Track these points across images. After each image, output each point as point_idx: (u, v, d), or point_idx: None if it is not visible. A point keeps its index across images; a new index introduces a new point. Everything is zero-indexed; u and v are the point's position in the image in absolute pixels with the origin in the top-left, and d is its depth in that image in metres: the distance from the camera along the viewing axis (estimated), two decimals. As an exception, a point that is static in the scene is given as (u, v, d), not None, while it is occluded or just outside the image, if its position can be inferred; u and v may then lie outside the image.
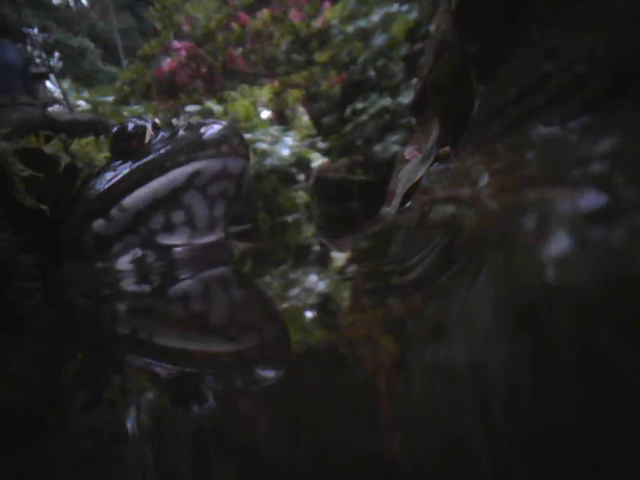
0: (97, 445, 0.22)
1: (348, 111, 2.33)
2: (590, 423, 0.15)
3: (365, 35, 2.39)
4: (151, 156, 0.72)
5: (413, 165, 0.81)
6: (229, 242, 0.84)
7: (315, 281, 0.55)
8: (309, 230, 1.35)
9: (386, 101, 2.16)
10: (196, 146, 0.71)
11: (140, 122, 0.76)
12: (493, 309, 0.25)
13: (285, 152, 1.62)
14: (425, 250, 0.40)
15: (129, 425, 0.24)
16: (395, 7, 2.24)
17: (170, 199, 0.72)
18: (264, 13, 2.68)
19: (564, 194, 0.24)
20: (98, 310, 0.56)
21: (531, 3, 0.39)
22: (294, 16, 2.68)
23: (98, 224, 0.73)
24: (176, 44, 2.70)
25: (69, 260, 0.76)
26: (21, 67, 2.19)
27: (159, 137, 0.75)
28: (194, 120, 1.44)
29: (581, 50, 0.31)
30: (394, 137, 2.04)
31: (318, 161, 1.87)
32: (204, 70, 2.61)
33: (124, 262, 0.74)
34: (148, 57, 2.96)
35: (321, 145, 2.07)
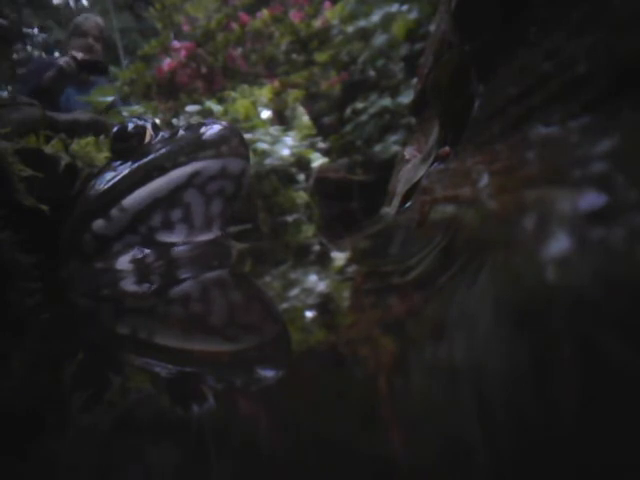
0: (97, 445, 0.22)
1: (348, 111, 2.32)
2: (590, 423, 0.15)
3: (365, 35, 2.39)
4: (151, 156, 0.72)
5: (413, 165, 0.81)
6: (227, 241, 0.84)
7: (315, 281, 0.55)
8: (309, 230, 1.35)
9: (386, 101, 2.16)
10: (196, 146, 0.71)
11: (140, 122, 0.76)
12: (493, 309, 0.25)
13: (285, 152, 1.62)
14: (425, 250, 0.40)
15: (129, 425, 0.24)
16: (395, 7, 2.23)
17: (170, 199, 0.72)
18: (264, 13, 2.68)
19: (564, 194, 0.24)
20: (98, 310, 0.56)
21: (531, 3, 0.39)
22: (294, 16, 2.67)
23: (98, 224, 0.73)
24: (176, 44, 2.69)
25: (69, 260, 0.76)
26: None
27: (159, 137, 0.75)
28: (194, 120, 1.44)
29: (581, 50, 0.31)
30: (394, 137, 2.04)
31: (318, 161, 1.86)
32: (204, 70, 2.61)
33: (124, 262, 0.74)
34: (148, 57, 2.96)
35: (321, 145, 2.06)
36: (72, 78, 1.83)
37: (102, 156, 0.86)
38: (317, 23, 2.66)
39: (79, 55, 1.81)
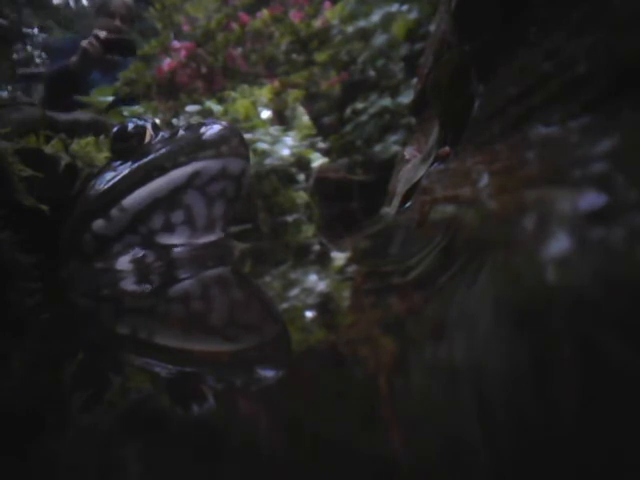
0: (97, 445, 0.22)
1: (348, 111, 2.32)
2: (590, 423, 0.15)
3: (365, 35, 2.38)
4: (151, 156, 0.72)
5: (413, 165, 0.81)
6: (229, 242, 0.84)
7: (315, 281, 0.55)
8: (309, 230, 1.35)
9: (386, 101, 2.16)
10: (196, 146, 0.71)
11: (140, 122, 0.76)
12: (493, 309, 0.25)
13: (285, 152, 1.62)
14: (425, 250, 0.40)
15: (129, 425, 0.24)
16: (395, 7, 2.23)
17: (170, 199, 0.72)
18: (264, 13, 2.68)
19: (564, 194, 0.24)
20: (98, 310, 0.56)
21: (531, 3, 0.39)
22: (294, 16, 2.67)
23: (98, 224, 0.73)
24: (176, 44, 2.69)
25: (69, 260, 0.76)
26: None
27: (159, 137, 0.75)
28: (194, 120, 1.44)
29: (581, 50, 0.31)
30: (394, 137, 2.04)
31: (318, 161, 1.86)
32: (204, 70, 2.61)
33: (124, 262, 0.74)
34: (148, 57, 2.95)
35: (321, 145, 2.06)
36: (97, 59, 1.72)
37: (102, 156, 0.86)
38: (317, 23, 2.65)
39: (102, 34, 1.69)
